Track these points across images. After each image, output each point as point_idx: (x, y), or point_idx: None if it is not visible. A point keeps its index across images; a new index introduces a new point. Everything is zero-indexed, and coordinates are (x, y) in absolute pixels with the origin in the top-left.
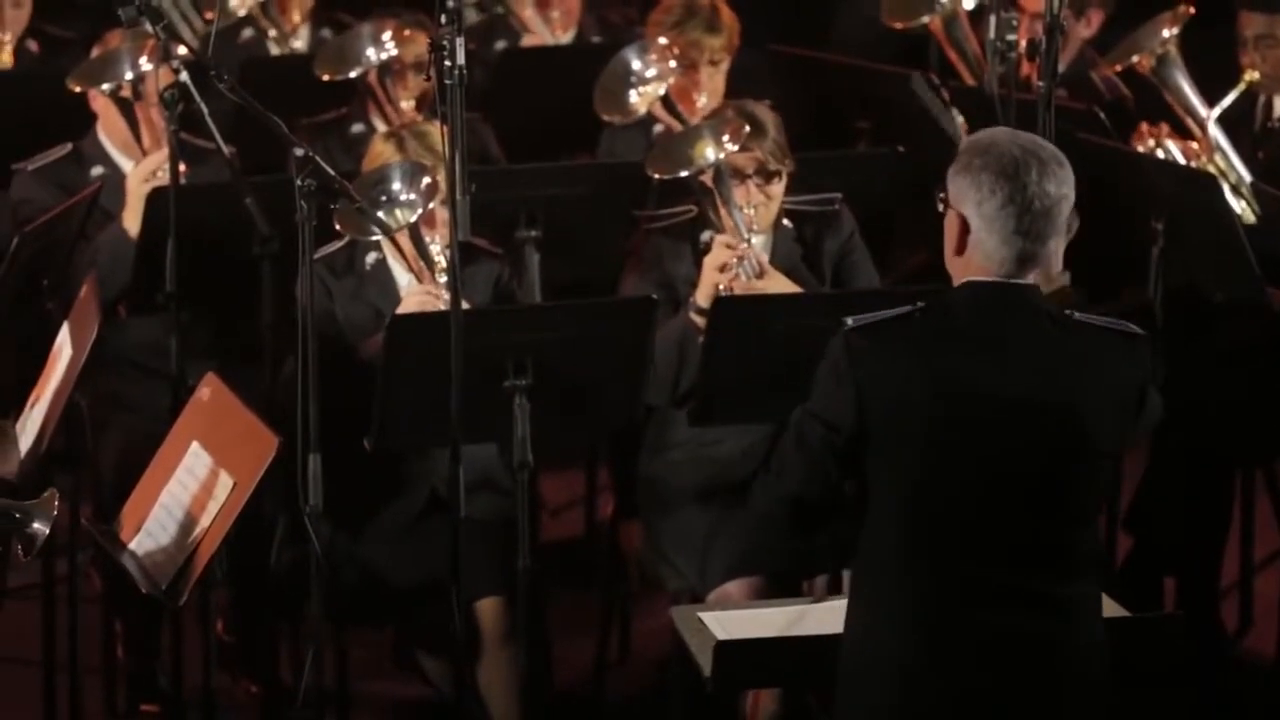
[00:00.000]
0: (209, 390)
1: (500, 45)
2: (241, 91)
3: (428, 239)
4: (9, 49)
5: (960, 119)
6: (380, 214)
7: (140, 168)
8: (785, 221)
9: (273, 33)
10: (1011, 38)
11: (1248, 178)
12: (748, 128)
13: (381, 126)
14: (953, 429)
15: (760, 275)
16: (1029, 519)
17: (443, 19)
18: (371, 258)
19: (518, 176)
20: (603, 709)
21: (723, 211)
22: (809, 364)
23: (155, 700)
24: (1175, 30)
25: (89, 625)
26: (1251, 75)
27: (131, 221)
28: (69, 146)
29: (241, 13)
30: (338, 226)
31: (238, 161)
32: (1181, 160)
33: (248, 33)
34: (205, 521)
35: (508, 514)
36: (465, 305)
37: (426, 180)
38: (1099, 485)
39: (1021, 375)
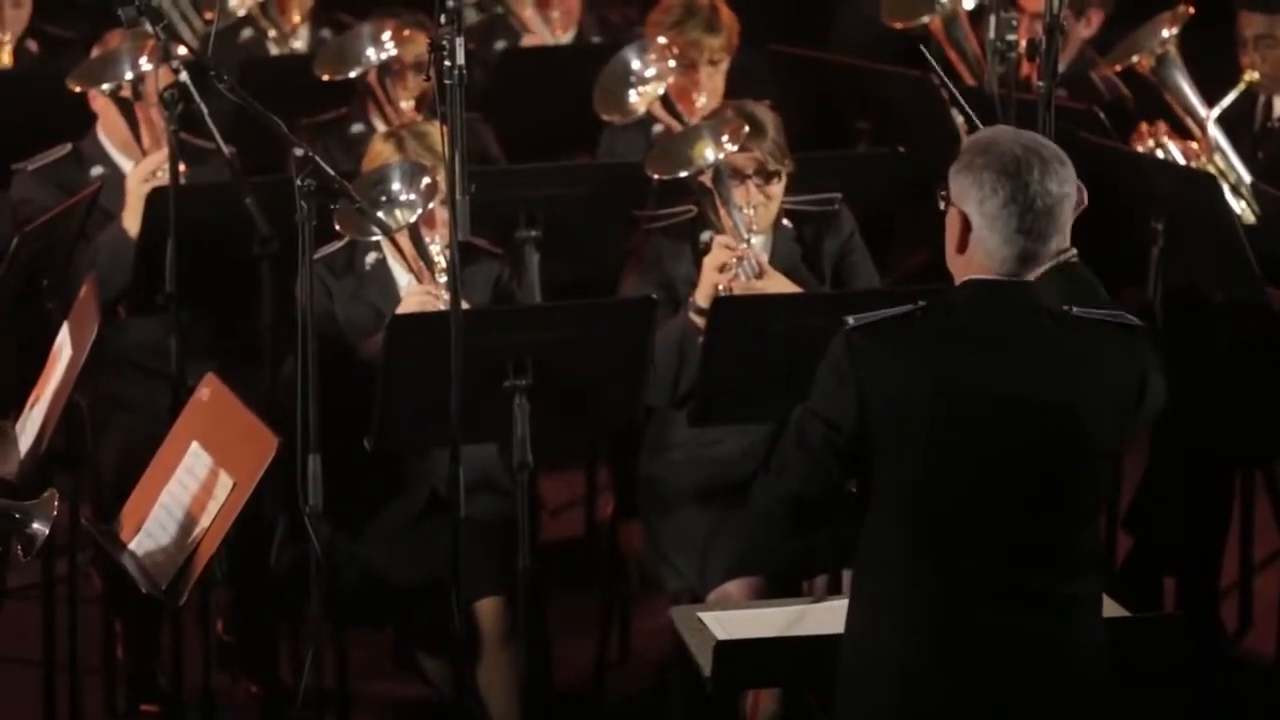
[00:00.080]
0: (209, 390)
1: (500, 45)
2: (241, 91)
3: (427, 239)
4: (9, 49)
5: (960, 119)
6: (380, 214)
7: (140, 168)
8: (785, 221)
9: (272, 33)
10: (1011, 38)
11: (1247, 178)
12: (747, 128)
13: (381, 126)
14: (953, 428)
15: (760, 275)
16: (1030, 518)
17: (442, 19)
18: (371, 258)
19: (518, 176)
20: (603, 709)
21: (722, 212)
22: (809, 364)
23: (155, 700)
24: (1175, 30)
25: (89, 625)
26: (1251, 75)
27: (131, 221)
28: (69, 146)
29: (241, 13)
30: (337, 227)
31: (238, 161)
32: (1181, 160)
33: (247, 33)
34: (205, 521)
35: (508, 514)
36: (465, 305)
37: (426, 180)
38: (1099, 485)
39: (1022, 374)
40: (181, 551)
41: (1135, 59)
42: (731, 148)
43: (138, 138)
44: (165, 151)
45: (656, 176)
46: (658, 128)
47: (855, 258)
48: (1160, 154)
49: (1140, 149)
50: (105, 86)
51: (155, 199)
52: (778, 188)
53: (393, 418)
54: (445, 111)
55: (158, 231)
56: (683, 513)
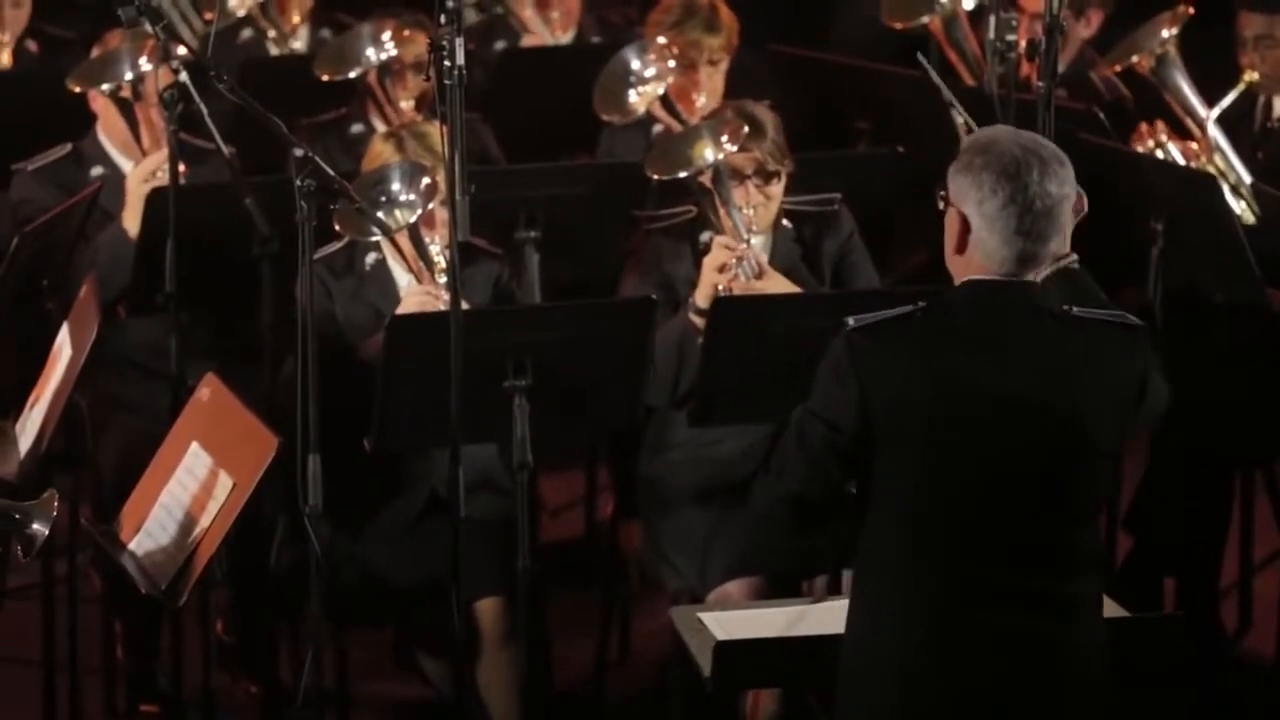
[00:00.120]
0: (209, 390)
1: (500, 45)
2: (241, 92)
3: (427, 239)
4: (8, 49)
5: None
6: (380, 214)
7: (140, 168)
8: (785, 222)
9: (272, 33)
10: (1011, 38)
11: (1247, 178)
12: (747, 128)
13: (381, 127)
14: (953, 428)
15: (759, 276)
16: (1030, 518)
17: (442, 19)
18: (371, 258)
19: (517, 177)
20: (603, 709)
21: (722, 212)
22: (808, 364)
23: (155, 700)
24: (1174, 30)
25: (89, 625)
26: (1251, 76)
27: (131, 222)
28: (69, 147)
29: (241, 13)
30: (337, 227)
31: (237, 162)
32: (1181, 161)
33: (247, 33)
34: (205, 522)
35: (507, 514)
36: (465, 305)
37: (426, 181)
38: (1099, 485)
39: (1022, 375)
40: (181, 552)
41: (1135, 59)
42: (731, 148)
43: (138, 138)
44: (165, 152)
45: (656, 177)
46: (657, 128)
47: (855, 258)
48: (1160, 154)
49: (1140, 149)
50: (105, 87)
51: (155, 199)
52: (777, 188)
53: (393, 418)
54: (445, 111)
55: (157, 231)
56: (683, 513)
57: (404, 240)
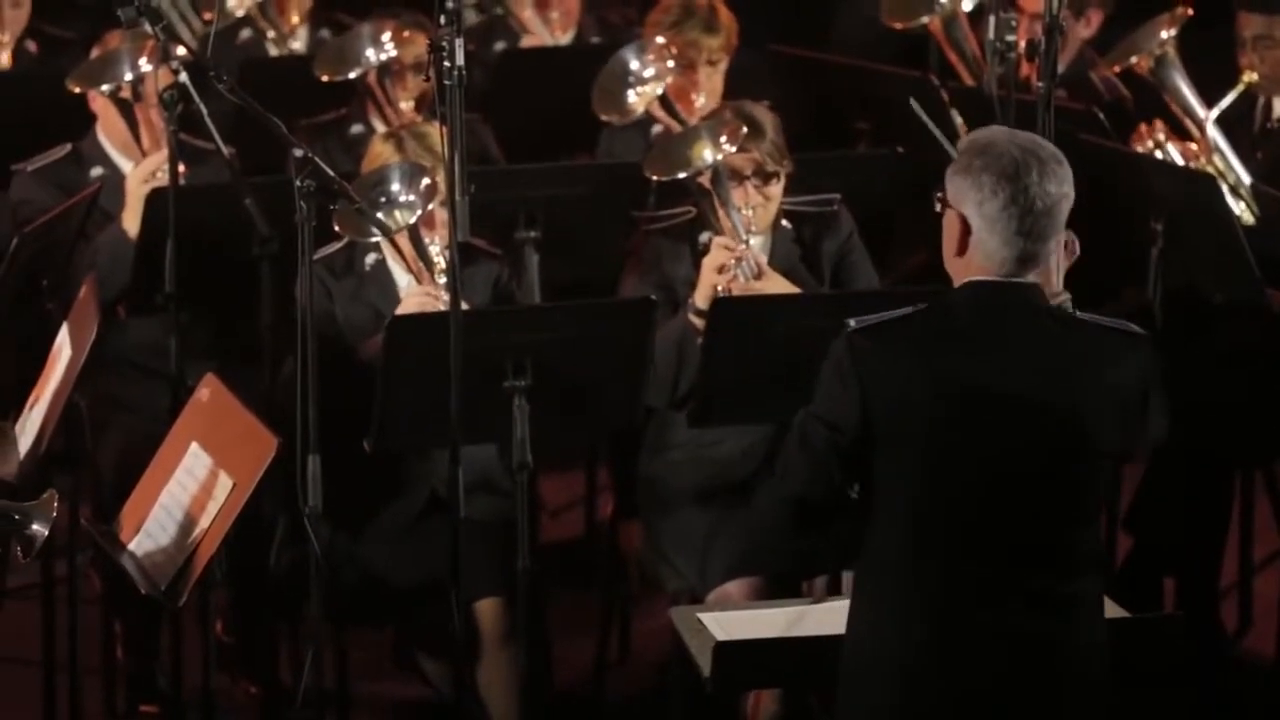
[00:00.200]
0: (208, 391)
1: (499, 46)
2: (241, 92)
3: (427, 240)
4: (8, 49)
5: (959, 120)
6: (379, 215)
7: (140, 168)
8: (784, 222)
9: (271, 33)
10: (1011, 38)
11: (1246, 179)
12: (745, 129)
13: (381, 127)
14: (954, 429)
15: (758, 276)
16: (1030, 518)
17: (442, 20)
18: (371, 259)
19: (517, 177)
20: (603, 709)
21: (721, 213)
22: (808, 364)
23: (155, 701)
24: (1173, 31)
25: (88, 626)
26: (1250, 76)
27: (131, 222)
28: (68, 147)
29: (239, 13)
30: (337, 228)
31: (237, 162)
32: (1180, 161)
33: (246, 33)
34: (205, 522)
35: (507, 515)
36: (465, 306)
37: (426, 181)
38: (1100, 485)
39: (1023, 375)
40: (181, 552)
41: (1134, 60)
42: (730, 149)
43: (137, 138)
44: (165, 152)
45: (655, 178)
46: (657, 128)
47: (854, 258)
48: (1159, 155)
49: (1139, 150)
50: (105, 87)
51: (155, 200)
52: (776, 188)
53: (392, 418)
54: (445, 112)
55: (157, 232)
56: (683, 513)
57: (404, 241)
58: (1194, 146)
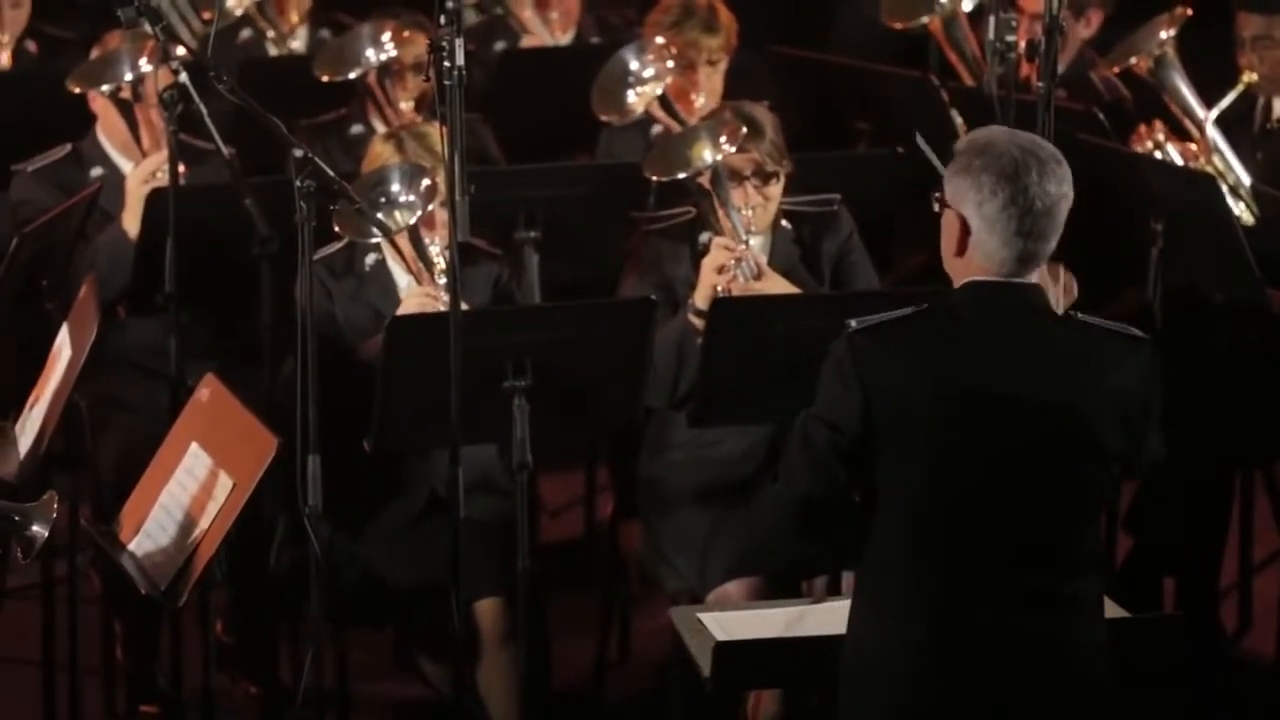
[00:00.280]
0: (208, 391)
1: (499, 46)
2: (241, 92)
3: (427, 240)
4: (8, 50)
5: (959, 120)
6: (379, 216)
7: (140, 169)
8: (784, 222)
9: (270, 33)
10: (1011, 38)
11: (1246, 179)
12: (745, 129)
13: (381, 128)
14: (955, 429)
15: (758, 276)
16: (1031, 518)
17: (442, 20)
18: (371, 259)
19: (517, 177)
20: (602, 710)
21: (720, 213)
22: (808, 365)
23: (154, 701)
24: (1172, 32)
25: (88, 626)
26: (1249, 76)
27: (131, 222)
28: (68, 147)
29: (239, 13)
30: (337, 228)
31: (237, 162)
32: (1180, 162)
33: (246, 33)
34: (204, 522)
35: (507, 515)
36: (464, 306)
37: (426, 182)
38: (1100, 485)
39: (1024, 375)
40: (181, 552)
41: (1133, 60)
42: (729, 149)
43: (137, 139)
44: (165, 152)
45: (654, 179)
46: (657, 128)
47: (854, 258)
48: (1159, 155)
49: (1139, 150)
50: (105, 87)
51: (155, 200)
52: (776, 189)
53: (392, 418)
54: (445, 112)
55: (157, 232)
56: (683, 513)
57: (404, 241)
58: (1194, 147)
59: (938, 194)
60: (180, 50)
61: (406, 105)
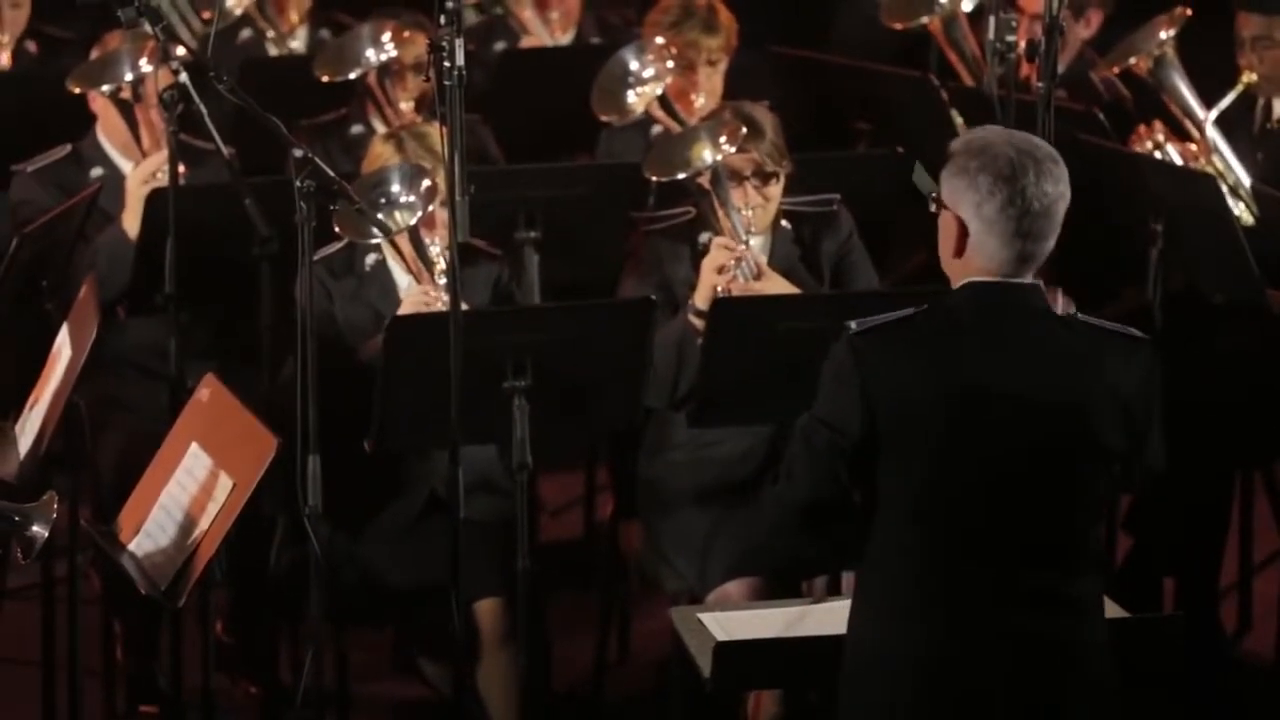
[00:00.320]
0: (208, 391)
1: (499, 46)
2: (241, 93)
3: (427, 240)
4: (8, 50)
5: (959, 120)
6: (379, 216)
7: (140, 169)
8: (783, 223)
9: (270, 33)
10: (1011, 39)
11: (1245, 180)
12: (745, 129)
13: (381, 128)
14: (956, 430)
15: (758, 277)
16: (1033, 519)
17: (442, 20)
18: (371, 259)
19: (517, 177)
20: (602, 710)
21: (720, 213)
22: (808, 365)
23: (154, 701)
24: (1172, 32)
25: (88, 626)
26: (1249, 77)
27: (131, 223)
28: (68, 148)
29: (239, 13)
30: (337, 228)
31: (237, 162)
32: (1180, 162)
33: (246, 33)
34: (204, 523)
35: (507, 515)
36: (464, 306)
37: (426, 183)
38: (1103, 484)
39: (1024, 375)
40: (181, 552)
41: (1133, 60)
42: (729, 149)
43: (137, 139)
44: (165, 153)
45: (655, 179)
46: (657, 128)
47: (854, 258)
48: (1159, 155)
49: (1139, 150)
50: (105, 88)
51: (155, 200)
52: (776, 189)
53: (392, 419)
54: (445, 112)
55: (157, 232)
56: (682, 513)
57: (404, 241)
58: (1193, 147)
59: (935, 195)
60: (180, 50)
61: (406, 105)
